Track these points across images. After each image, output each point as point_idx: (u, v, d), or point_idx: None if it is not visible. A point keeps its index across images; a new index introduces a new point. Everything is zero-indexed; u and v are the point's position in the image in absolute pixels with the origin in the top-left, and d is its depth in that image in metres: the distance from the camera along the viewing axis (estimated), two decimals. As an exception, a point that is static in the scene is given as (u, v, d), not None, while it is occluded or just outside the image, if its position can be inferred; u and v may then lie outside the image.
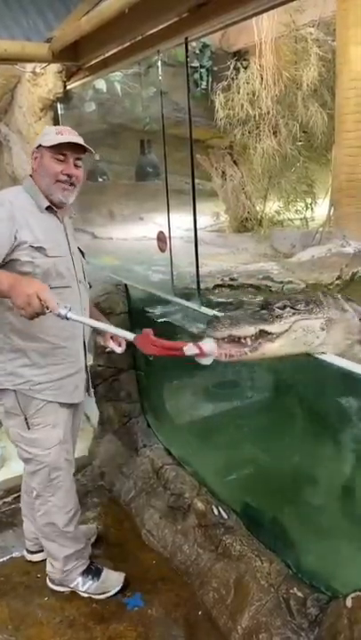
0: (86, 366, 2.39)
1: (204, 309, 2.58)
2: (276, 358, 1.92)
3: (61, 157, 2.13)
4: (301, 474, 2.37)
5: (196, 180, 5.76)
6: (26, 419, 2.24)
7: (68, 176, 2.16)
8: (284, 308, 1.90)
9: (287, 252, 4.04)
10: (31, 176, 2.23)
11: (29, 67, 3.65)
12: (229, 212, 5.13)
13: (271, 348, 1.86)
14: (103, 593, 2.48)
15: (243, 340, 1.84)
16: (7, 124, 4.65)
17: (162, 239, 2.92)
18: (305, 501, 2.36)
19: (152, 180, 5.79)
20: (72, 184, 2.18)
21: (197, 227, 4.70)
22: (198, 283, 2.66)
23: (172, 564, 2.65)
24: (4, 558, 2.77)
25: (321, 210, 4.69)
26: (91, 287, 2.46)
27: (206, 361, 1.82)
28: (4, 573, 2.67)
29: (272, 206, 4.99)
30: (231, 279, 3.56)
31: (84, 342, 2.35)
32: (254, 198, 5.01)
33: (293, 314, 1.90)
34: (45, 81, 3.65)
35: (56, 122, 3.99)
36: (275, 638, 2.06)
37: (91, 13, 2.51)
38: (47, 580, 2.56)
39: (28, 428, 2.25)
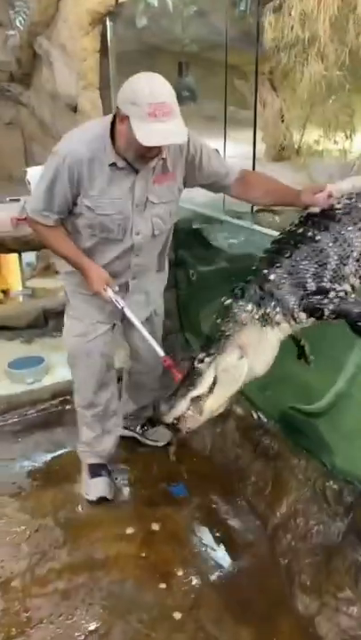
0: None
1: (258, 227, 2.69)
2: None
3: None
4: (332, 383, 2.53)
5: (232, 107, 5.70)
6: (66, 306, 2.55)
7: (154, 155, 2.10)
8: (202, 360, 1.88)
9: (325, 182, 4.09)
10: (112, 123, 2.10)
11: (80, -25, 3.58)
12: (267, 139, 5.11)
13: (212, 403, 1.89)
14: (85, 494, 2.67)
15: (187, 414, 1.86)
16: (49, 38, 4.57)
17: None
18: (337, 407, 2.55)
19: (187, 104, 5.74)
20: (155, 155, 2.11)
21: (232, 154, 4.72)
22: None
23: (213, 463, 2.90)
24: (59, 452, 3.04)
25: (360, 141, 4.66)
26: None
27: None
28: (59, 464, 2.94)
29: (311, 135, 4.94)
30: (272, 204, 3.63)
31: (128, 284, 2.45)
32: (293, 126, 4.97)
33: (210, 362, 1.88)
34: (97, -8, 3.60)
35: (104, 38, 3.95)
36: (311, 522, 2.31)
37: None
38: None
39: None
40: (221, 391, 1.90)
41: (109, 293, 2.31)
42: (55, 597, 2.15)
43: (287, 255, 1.97)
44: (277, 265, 1.96)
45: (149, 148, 2.01)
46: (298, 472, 2.51)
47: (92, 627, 2.03)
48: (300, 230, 2.02)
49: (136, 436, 3.07)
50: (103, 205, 2.19)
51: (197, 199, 3.57)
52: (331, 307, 1.87)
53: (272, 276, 1.94)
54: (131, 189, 2.20)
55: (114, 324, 2.56)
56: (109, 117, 2.15)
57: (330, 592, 2.02)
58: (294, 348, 2.31)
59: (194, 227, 3.36)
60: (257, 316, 1.93)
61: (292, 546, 2.29)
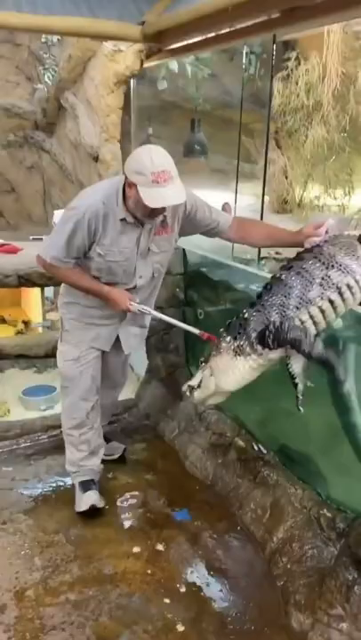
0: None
1: (263, 273, 2.97)
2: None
3: None
4: (330, 420, 2.74)
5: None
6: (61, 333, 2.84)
7: (159, 213, 2.43)
8: (199, 365, 2.45)
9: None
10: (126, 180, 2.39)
11: (110, 43, 3.99)
12: (271, 193, 5.48)
13: (198, 394, 2.44)
14: (78, 507, 2.88)
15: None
16: (75, 93, 4.99)
17: (227, 210, 3.29)
18: (333, 441, 2.76)
19: (198, 157, 6.15)
20: (159, 213, 2.45)
21: (238, 205, 5.06)
22: (260, 250, 3.03)
23: (214, 491, 3.08)
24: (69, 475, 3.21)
25: (358, 198, 5.03)
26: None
27: None
28: (69, 485, 3.10)
29: (312, 191, 5.32)
30: (276, 252, 3.94)
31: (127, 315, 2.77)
32: (296, 182, 5.36)
33: (201, 369, 2.42)
34: (124, 58, 4.00)
35: (127, 97, 4.34)
36: (306, 547, 2.49)
37: (189, 5, 2.85)
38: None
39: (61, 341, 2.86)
40: (204, 390, 2.41)
41: (136, 307, 2.62)
42: (67, 607, 2.31)
43: (259, 296, 2.30)
44: (251, 305, 2.30)
45: (155, 208, 2.33)
46: (294, 500, 2.70)
47: (101, 635, 2.18)
48: (273, 275, 2.33)
49: None
50: (113, 253, 2.53)
51: (207, 245, 3.88)
52: (271, 337, 2.16)
53: (247, 315, 2.27)
54: (137, 240, 2.54)
55: (103, 352, 2.85)
56: (120, 179, 2.47)
57: (322, 609, 2.19)
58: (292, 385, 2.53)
59: (203, 270, 3.63)
60: (232, 347, 2.29)
61: (287, 568, 2.46)
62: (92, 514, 2.83)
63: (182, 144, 6.08)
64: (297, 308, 2.19)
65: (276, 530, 2.65)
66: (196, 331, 2.63)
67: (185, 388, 2.47)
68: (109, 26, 3.23)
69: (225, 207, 3.35)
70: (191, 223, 2.66)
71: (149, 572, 2.51)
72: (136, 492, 3.08)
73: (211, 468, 3.20)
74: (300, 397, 2.38)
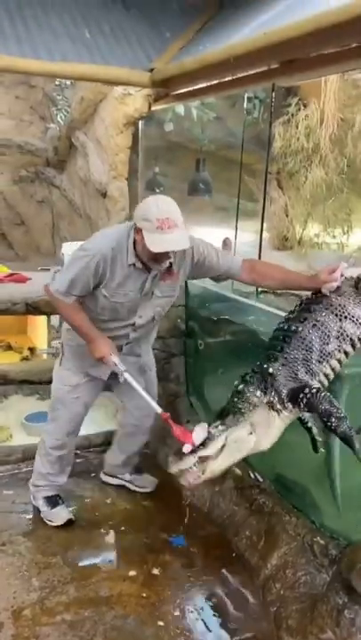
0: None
1: (262, 305, 3.10)
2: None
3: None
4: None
5: (241, 200, 6.30)
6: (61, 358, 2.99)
7: (165, 260, 2.51)
8: (217, 427, 2.23)
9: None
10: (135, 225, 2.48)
11: (120, 87, 4.23)
12: (272, 230, 5.65)
13: (216, 466, 2.23)
14: (50, 521, 3.02)
15: (191, 470, 2.20)
16: (86, 133, 5.24)
17: (228, 244, 3.44)
18: (325, 472, 2.82)
19: (203, 196, 6.36)
20: (164, 260, 2.52)
21: (240, 242, 5.23)
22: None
23: (211, 518, 3.13)
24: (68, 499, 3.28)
25: (356, 237, 5.19)
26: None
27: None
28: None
29: (311, 229, 5.50)
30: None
31: (122, 347, 2.83)
32: (296, 220, 5.53)
33: (223, 431, 2.22)
34: (133, 101, 4.24)
35: (136, 137, 4.56)
36: (299, 573, 2.53)
37: (195, 55, 3.07)
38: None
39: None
40: (226, 457, 2.26)
41: (114, 358, 2.65)
42: (63, 627, 2.35)
43: (274, 347, 2.35)
44: (269, 357, 2.34)
45: (160, 254, 2.42)
46: (289, 528, 2.75)
47: (96, 655, 2.23)
48: (286, 326, 2.39)
49: (124, 483, 3.40)
50: (118, 296, 2.63)
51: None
52: (305, 401, 2.21)
53: (271, 370, 2.30)
54: (142, 284, 2.62)
55: (98, 380, 2.94)
56: (130, 225, 2.57)
57: (313, 634, 2.22)
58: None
59: (204, 302, 3.77)
60: (265, 401, 2.29)
61: (281, 594, 2.49)
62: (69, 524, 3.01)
63: (187, 183, 6.30)
64: (319, 362, 2.29)
65: (270, 556, 2.69)
66: (156, 407, 2.66)
67: (188, 462, 2.20)
68: (120, 72, 3.46)
69: (226, 242, 3.49)
70: (200, 270, 2.72)
71: (144, 595, 2.55)
72: (134, 518, 3.14)
73: (208, 496, 3.25)
74: (320, 439, 2.44)
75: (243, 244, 4.59)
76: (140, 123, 4.51)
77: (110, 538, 2.96)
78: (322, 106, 4.19)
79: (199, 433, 2.25)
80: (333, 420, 2.12)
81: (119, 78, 3.45)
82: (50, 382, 3.83)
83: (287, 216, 5.54)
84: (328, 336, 2.29)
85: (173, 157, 7.20)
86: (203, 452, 2.19)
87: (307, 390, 2.21)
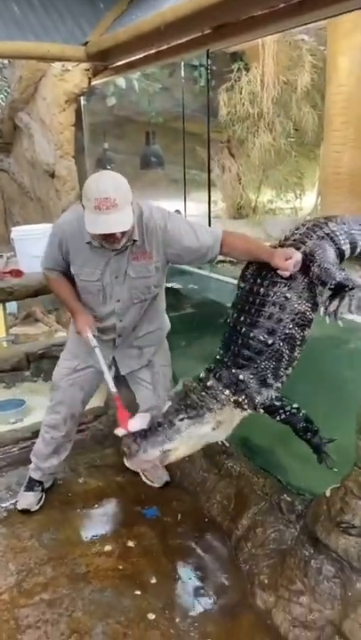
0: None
1: (216, 275, 3.12)
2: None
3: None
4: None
5: (194, 171, 6.30)
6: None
7: (108, 241, 2.42)
8: (182, 420, 2.25)
9: (278, 236, 4.64)
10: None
11: (58, 63, 4.12)
12: (226, 199, 5.66)
13: (176, 455, 2.30)
14: (16, 501, 3.07)
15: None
16: (29, 113, 5.10)
17: (178, 217, 3.42)
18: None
19: (155, 169, 6.31)
20: (114, 241, 2.42)
21: (194, 213, 5.23)
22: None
23: (182, 486, 3.19)
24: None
25: (309, 200, 5.24)
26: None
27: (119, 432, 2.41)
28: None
29: (265, 195, 5.53)
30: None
31: (115, 340, 2.83)
32: (249, 188, 5.55)
33: (189, 425, 2.26)
34: (72, 77, 4.14)
35: (78, 113, 4.47)
36: (268, 531, 2.62)
37: (128, 25, 3.00)
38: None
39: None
40: (188, 449, 2.35)
41: (88, 334, 2.68)
42: (42, 606, 2.39)
43: (239, 355, 2.37)
44: (244, 367, 2.36)
45: (107, 235, 2.35)
46: (257, 489, 2.84)
47: (75, 629, 2.27)
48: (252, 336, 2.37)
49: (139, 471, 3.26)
50: (85, 274, 2.62)
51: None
52: (283, 417, 2.35)
53: (242, 377, 2.35)
54: (107, 264, 2.57)
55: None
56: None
57: (283, 586, 2.31)
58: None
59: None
60: (232, 400, 2.37)
61: (252, 553, 2.58)
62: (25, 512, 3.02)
63: (139, 157, 6.24)
64: (286, 368, 2.40)
65: (240, 518, 2.77)
66: (111, 387, 2.70)
67: (153, 455, 2.21)
68: (54, 48, 3.37)
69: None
70: (178, 250, 2.58)
71: (121, 567, 2.61)
72: (107, 495, 3.17)
73: (178, 466, 3.30)
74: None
75: (194, 217, 4.60)
76: (82, 99, 4.41)
77: (84, 516, 3.00)
78: (262, 69, 4.17)
79: (137, 422, 2.35)
80: (309, 434, 2.34)
81: (53, 54, 3.36)
82: (12, 370, 3.84)
83: (240, 184, 5.55)
84: (294, 346, 2.39)
85: (122, 132, 7.10)
86: (167, 446, 2.22)
87: (288, 409, 2.34)
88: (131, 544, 2.77)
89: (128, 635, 2.25)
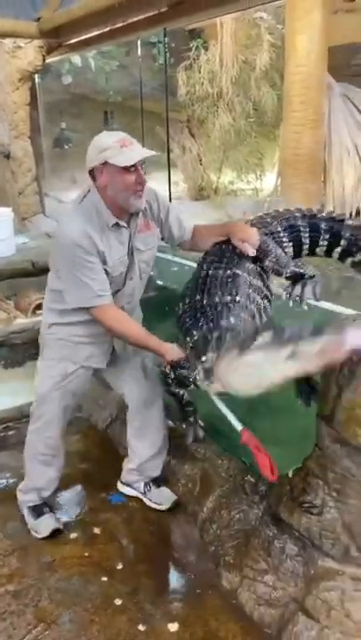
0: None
1: (178, 259, 3.10)
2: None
3: (132, 169, 2.30)
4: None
5: (154, 151, 6.13)
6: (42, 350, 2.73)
7: (141, 184, 2.38)
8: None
9: (240, 217, 4.65)
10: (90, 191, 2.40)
11: (10, 40, 3.96)
12: (188, 181, 5.61)
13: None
14: (35, 532, 2.73)
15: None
16: (-19, 91, 4.91)
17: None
18: (253, 412, 2.94)
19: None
20: (142, 188, 2.41)
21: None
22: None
23: (147, 471, 3.20)
24: (3, 472, 3.24)
25: (269, 181, 5.24)
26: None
27: None
28: (4, 483, 3.15)
29: (226, 176, 5.49)
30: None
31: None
32: (210, 169, 5.51)
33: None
34: (25, 54, 3.98)
35: (33, 92, 4.32)
36: (233, 512, 2.65)
37: (80, 1, 2.90)
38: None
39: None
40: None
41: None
42: (7, 598, 2.37)
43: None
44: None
45: (137, 182, 2.33)
46: (221, 471, 2.87)
47: (42, 619, 2.27)
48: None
49: (138, 495, 2.98)
50: (116, 265, 2.47)
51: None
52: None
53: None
54: (130, 243, 2.50)
55: (91, 368, 2.73)
56: (85, 192, 2.44)
57: (248, 566, 2.35)
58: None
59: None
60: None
61: (217, 534, 2.61)
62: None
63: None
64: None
65: (205, 500, 2.80)
66: (238, 426, 2.51)
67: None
68: (4, 23, 3.23)
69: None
70: (166, 227, 2.66)
71: (87, 554, 2.60)
72: (72, 482, 3.15)
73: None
74: None
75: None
76: (37, 77, 4.26)
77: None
78: (221, 48, 4.10)
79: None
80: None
81: (4, 30, 3.23)
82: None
83: (201, 165, 5.50)
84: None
85: (80, 111, 6.94)
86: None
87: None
88: (97, 531, 2.76)
89: (95, 621, 2.26)
